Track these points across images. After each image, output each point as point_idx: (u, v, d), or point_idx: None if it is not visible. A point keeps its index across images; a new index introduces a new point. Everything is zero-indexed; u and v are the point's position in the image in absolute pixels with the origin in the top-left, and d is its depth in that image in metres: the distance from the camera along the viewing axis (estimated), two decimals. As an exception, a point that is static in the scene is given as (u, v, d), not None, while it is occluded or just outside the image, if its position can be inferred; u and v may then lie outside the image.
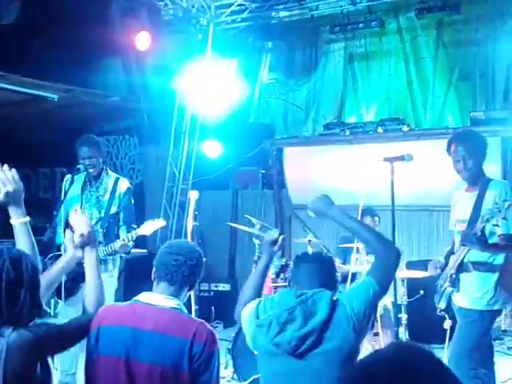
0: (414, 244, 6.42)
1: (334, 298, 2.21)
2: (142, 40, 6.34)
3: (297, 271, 2.36)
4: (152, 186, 7.63)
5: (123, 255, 3.95)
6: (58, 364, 3.76)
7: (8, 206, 2.25)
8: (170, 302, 2.21)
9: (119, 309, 2.26)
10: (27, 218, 2.27)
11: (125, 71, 7.43)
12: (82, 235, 2.32)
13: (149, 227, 3.69)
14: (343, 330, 2.14)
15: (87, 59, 6.94)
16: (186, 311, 2.27)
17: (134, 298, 2.26)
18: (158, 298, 2.22)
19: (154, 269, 2.28)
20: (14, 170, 2.27)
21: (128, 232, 3.80)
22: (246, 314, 2.32)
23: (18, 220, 2.25)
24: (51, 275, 2.32)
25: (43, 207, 4.96)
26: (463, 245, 3.09)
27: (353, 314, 2.15)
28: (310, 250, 4.46)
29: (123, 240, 3.71)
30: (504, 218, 2.98)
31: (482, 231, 2.99)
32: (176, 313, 2.20)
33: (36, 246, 2.28)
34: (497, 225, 2.96)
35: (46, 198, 8.44)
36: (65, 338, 2.12)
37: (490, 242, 3.11)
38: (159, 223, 3.72)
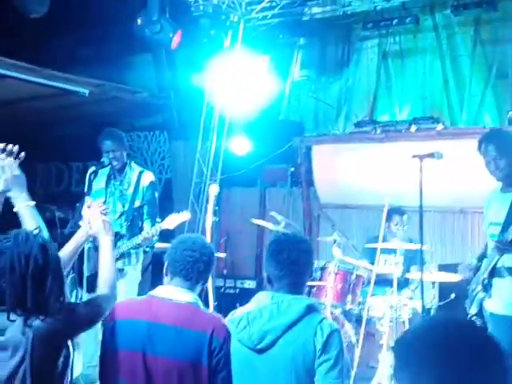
0: (448, 247, 6.22)
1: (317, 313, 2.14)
2: (174, 38, 6.33)
3: (271, 264, 2.20)
4: (180, 181, 7.64)
5: (147, 249, 3.94)
6: (80, 356, 3.78)
7: (10, 192, 2.22)
8: (187, 296, 2.19)
9: (135, 303, 2.26)
10: (32, 202, 2.24)
11: (155, 67, 7.46)
12: (94, 222, 2.31)
13: (173, 220, 3.66)
14: (303, 343, 2.05)
15: (118, 55, 7.01)
16: (202, 305, 2.24)
17: (149, 293, 2.25)
18: (174, 291, 2.20)
19: (165, 264, 2.26)
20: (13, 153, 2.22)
21: (152, 225, 3.78)
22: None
23: (24, 204, 2.21)
24: (65, 254, 2.28)
25: (76, 201, 5.01)
26: (499, 253, 2.95)
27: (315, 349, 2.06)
28: (335, 250, 4.35)
29: (147, 233, 3.70)
30: None
31: None
32: (193, 307, 2.18)
33: (46, 230, 2.25)
34: None
35: (78, 191, 8.54)
36: (86, 320, 2.08)
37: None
38: (184, 216, 3.69)
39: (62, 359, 1.95)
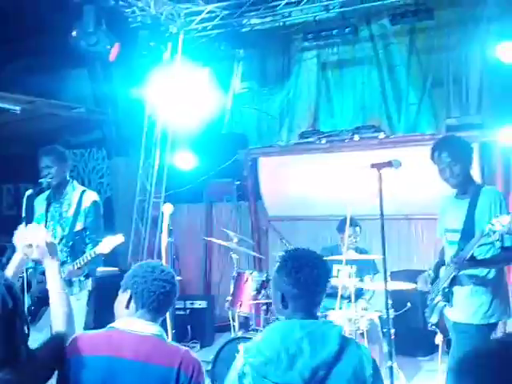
0: (394, 253, 6.28)
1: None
2: (111, 50, 6.08)
3: (288, 283, 1.97)
4: (122, 200, 7.34)
5: (83, 279, 3.65)
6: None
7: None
8: (151, 328, 2.04)
9: (93, 337, 2.05)
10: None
11: (91, 81, 7.16)
12: (38, 246, 2.12)
13: (107, 244, 3.40)
14: (354, 372, 1.90)
15: (53, 69, 6.66)
16: (167, 338, 2.10)
17: (109, 325, 2.06)
18: (137, 323, 2.04)
19: (129, 292, 2.08)
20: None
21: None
22: (235, 375, 1.96)
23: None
24: None
25: (7, 225, 4.66)
26: (456, 270, 2.95)
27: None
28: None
29: (72, 266, 3.43)
30: (508, 233, 2.84)
31: (472, 255, 2.87)
32: (158, 339, 2.04)
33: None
34: (498, 240, 2.81)
35: (10, 215, 8.05)
36: (51, 366, 1.89)
37: (488, 252, 2.98)
38: (117, 239, 3.43)
39: None
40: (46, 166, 3.58)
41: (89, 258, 3.43)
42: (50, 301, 2.05)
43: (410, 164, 5.66)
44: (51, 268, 2.12)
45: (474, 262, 2.91)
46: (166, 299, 2.07)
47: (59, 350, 1.93)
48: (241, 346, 1.97)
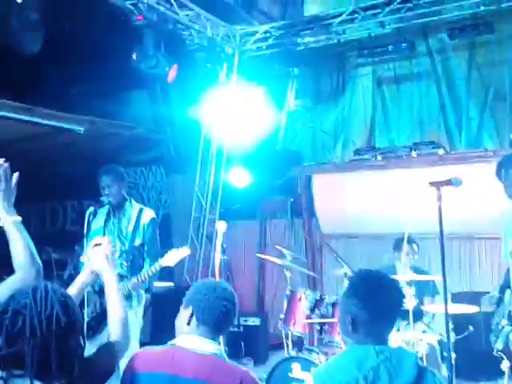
0: (455, 274, 6.05)
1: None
2: (170, 71, 6.28)
3: (361, 307, 1.88)
4: (179, 216, 7.49)
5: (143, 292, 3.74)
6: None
7: None
8: (211, 347, 2.05)
9: (155, 354, 2.07)
10: (20, 218, 2.08)
11: (151, 102, 7.40)
12: (99, 261, 2.22)
13: (172, 257, 3.49)
14: None
15: (113, 91, 6.94)
16: (226, 357, 2.10)
17: (170, 342, 2.09)
18: (198, 342, 2.05)
19: (191, 309, 2.10)
20: (6, 164, 2.10)
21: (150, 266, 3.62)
22: None
23: (11, 218, 2.05)
24: None
25: (71, 241, 4.87)
26: None
27: None
28: (346, 284, 4.17)
29: (136, 279, 3.52)
30: None
31: None
32: (218, 359, 2.05)
33: (33, 246, 2.07)
34: None
35: (73, 231, 8.38)
36: (104, 373, 1.91)
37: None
38: (183, 252, 3.51)
39: None
40: (106, 185, 3.73)
41: (153, 271, 3.52)
42: (108, 311, 2.10)
43: (472, 181, 5.50)
44: (110, 279, 2.19)
45: None
46: (226, 318, 2.09)
47: (114, 355, 1.96)
48: (308, 375, 1.93)
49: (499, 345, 3.01)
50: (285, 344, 4.41)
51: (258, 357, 5.82)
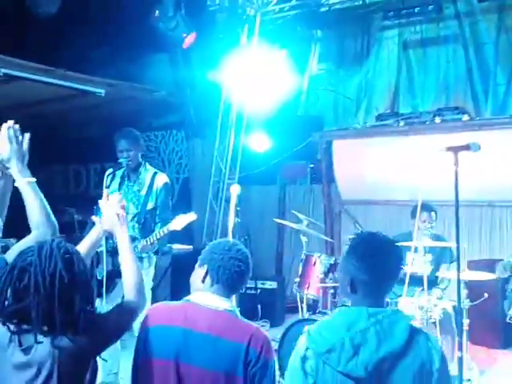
0: (475, 242, 5.99)
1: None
2: (187, 38, 6.21)
3: (359, 268, 1.89)
4: (199, 180, 7.54)
5: (158, 255, 3.82)
6: (100, 363, 3.69)
7: (11, 164, 2.10)
8: (225, 304, 2.11)
9: (170, 308, 2.15)
10: (34, 179, 2.13)
11: (171, 65, 7.36)
12: (111, 219, 2.24)
13: (180, 222, 3.54)
14: (421, 365, 1.83)
15: (133, 54, 6.91)
16: (239, 314, 2.16)
17: (185, 298, 2.16)
18: (212, 298, 2.11)
19: (206, 267, 2.15)
20: (16, 126, 2.13)
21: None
22: (297, 358, 1.91)
23: (25, 179, 2.09)
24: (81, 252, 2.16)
25: (94, 203, 4.96)
26: None
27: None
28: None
29: (145, 241, 3.58)
30: None
31: None
32: (231, 315, 2.11)
33: (48, 206, 2.12)
34: None
35: (97, 193, 8.49)
36: (116, 331, 1.97)
37: None
38: (190, 217, 3.55)
39: (89, 373, 1.86)
40: (124, 149, 3.78)
41: (161, 235, 3.59)
42: (122, 270, 2.13)
43: (495, 148, 5.41)
44: (123, 238, 2.21)
45: None
46: (239, 277, 2.14)
47: (128, 314, 2.00)
48: (305, 329, 1.94)
49: (512, 311, 3.00)
50: (299, 307, 4.47)
51: (275, 319, 5.92)
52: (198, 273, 2.17)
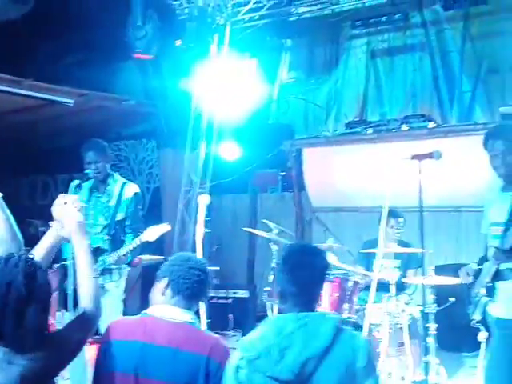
0: (442, 247, 6.10)
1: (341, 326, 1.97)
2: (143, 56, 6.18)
3: (288, 281, 2.00)
4: (170, 190, 7.50)
5: (129, 268, 3.79)
6: (69, 378, 3.63)
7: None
8: (185, 316, 2.10)
9: (129, 323, 2.14)
10: (0, 194, 2.09)
11: (141, 74, 7.33)
12: (69, 224, 2.12)
13: (153, 233, 3.53)
14: (346, 363, 1.89)
15: (103, 63, 6.86)
16: (200, 326, 2.18)
17: (143, 312, 2.14)
18: (172, 311, 2.10)
19: (166, 280, 2.14)
20: None
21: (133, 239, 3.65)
22: (231, 368, 1.97)
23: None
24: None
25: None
26: (496, 262, 2.86)
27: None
28: (331, 257, 4.22)
29: (119, 253, 3.56)
30: None
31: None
32: (191, 327, 2.10)
33: (14, 224, 2.09)
34: None
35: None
36: (75, 344, 1.93)
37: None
38: (164, 228, 3.56)
39: None
40: (92, 160, 3.74)
41: (134, 246, 3.56)
42: (79, 281, 2.06)
43: (461, 155, 5.53)
44: (81, 246, 2.10)
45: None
46: (199, 287, 2.14)
47: (86, 327, 1.96)
48: (239, 341, 2.03)
49: (477, 316, 3.06)
50: (270, 316, 4.48)
51: (246, 328, 5.87)
52: (158, 287, 2.16)
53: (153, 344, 2.01)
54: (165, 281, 2.14)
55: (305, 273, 1.97)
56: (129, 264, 3.76)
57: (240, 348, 1.95)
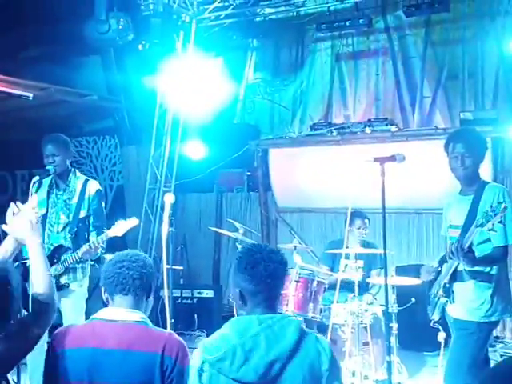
0: (403, 248, 6.26)
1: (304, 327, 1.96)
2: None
3: (244, 279, 1.94)
4: (133, 188, 7.38)
5: (94, 264, 3.70)
6: (27, 380, 3.52)
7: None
8: (133, 316, 2.05)
9: (77, 330, 2.08)
10: None
11: (104, 69, 7.17)
12: (21, 227, 2.13)
13: (120, 227, 3.45)
14: (310, 364, 1.89)
15: (65, 56, 6.68)
16: (151, 324, 2.10)
17: (92, 316, 2.09)
18: (119, 312, 2.05)
19: (103, 289, 2.12)
20: None
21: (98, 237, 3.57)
22: (194, 371, 1.94)
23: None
24: None
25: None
26: (451, 258, 2.91)
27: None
28: (295, 257, 4.25)
29: (89, 246, 3.47)
30: (500, 222, 2.81)
31: (470, 245, 2.82)
32: (141, 326, 2.05)
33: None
34: (492, 229, 2.77)
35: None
36: (30, 342, 1.91)
37: (485, 249, 2.95)
38: (131, 222, 3.49)
39: None
40: (51, 154, 3.64)
41: (104, 240, 3.48)
42: (33, 280, 2.04)
43: (422, 158, 5.68)
44: (33, 246, 2.11)
45: (471, 253, 2.86)
46: (127, 276, 2.05)
47: (40, 323, 1.96)
48: (200, 343, 1.97)
49: (436, 316, 3.14)
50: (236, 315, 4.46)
51: (212, 328, 5.80)
52: (104, 297, 2.14)
53: (103, 348, 1.97)
54: (103, 288, 2.12)
55: (261, 267, 1.92)
56: (96, 260, 3.67)
57: (202, 350, 1.91)
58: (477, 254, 2.91)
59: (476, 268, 2.97)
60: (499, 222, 2.79)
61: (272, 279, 1.94)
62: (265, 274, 1.92)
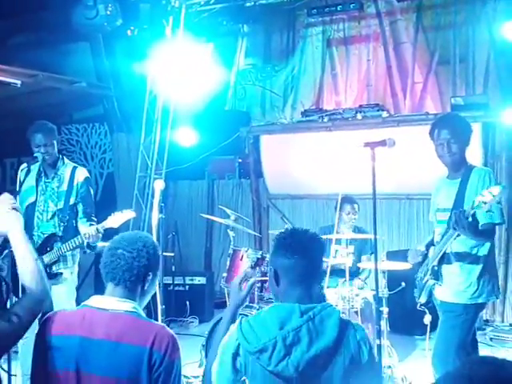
0: (394, 233, 6.30)
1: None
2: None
3: (278, 254, 1.88)
4: (124, 175, 7.34)
5: (88, 250, 3.69)
6: (18, 368, 3.52)
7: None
8: (124, 305, 1.97)
9: (66, 316, 2.00)
10: None
11: (93, 55, 7.09)
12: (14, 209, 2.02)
13: (117, 219, 3.44)
14: (351, 358, 1.84)
15: (53, 43, 6.60)
16: (143, 314, 2.04)
17: (83, 303, 2.02)
18: (110, 301, 1.98)
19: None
20: None
21: (89, 224, 3.55)
22: (229, 353, 1.85)
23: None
24: None
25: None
26: (454, 228, 2.82)
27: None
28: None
29: (97, 230, 3.42)
30: (499, 203, 2.83)
31: (473, 216, 2.81)
32: (131, 317, 1.97)
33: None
34: (490, 210, 2.79)
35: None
36: (20, 329, 1.87)
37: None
38: (128, 214, 3.47)
39: None
40: (41, 143, 3.60)
41: (101, 231, 3.44)
42: (20, 271, 1.95)
43: (413, 144, 5.69)
44: (14, 237, 1.99)
45: (474, 222, 2.84)
46: (116, 266, 1.97)
47: (29, 309, 1.90)
48: (233, 326, 1.90)
49: (422, 299, 3.16)
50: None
51: (204, 315, 5.90)
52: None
53: (91, 338, 1.90)
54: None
55: (296, 239, 1.88)
56: (93, 248, 3.64)
57: (239, 333, 1.84)
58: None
59: (464, 250, 2.99)
60: (497, 203, 2.81)
61: (308, 251, 1.88)
62: (299, 245, 1.87)
